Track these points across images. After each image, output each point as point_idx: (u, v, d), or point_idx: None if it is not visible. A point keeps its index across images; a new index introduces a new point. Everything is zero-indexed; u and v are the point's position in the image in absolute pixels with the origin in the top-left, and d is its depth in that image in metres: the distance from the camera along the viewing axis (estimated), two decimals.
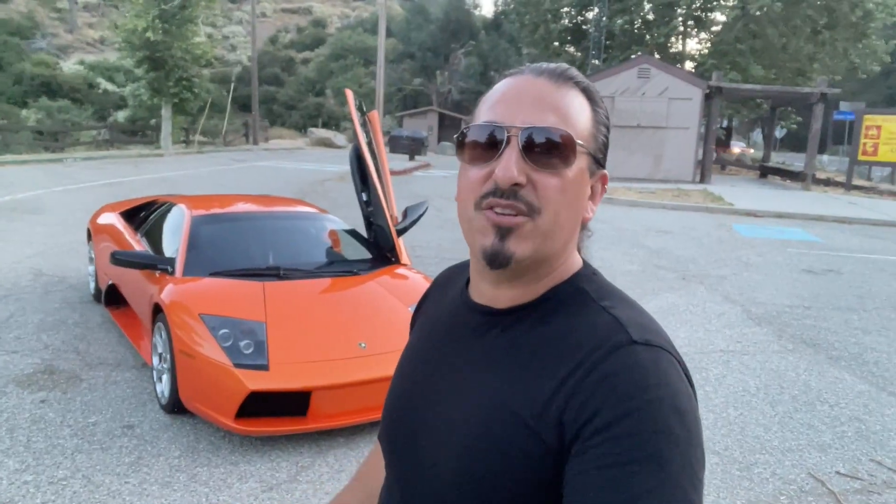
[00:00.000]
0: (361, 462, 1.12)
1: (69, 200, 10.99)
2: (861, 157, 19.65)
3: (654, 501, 0.60)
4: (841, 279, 7.89)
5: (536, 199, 0.72)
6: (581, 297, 0.77)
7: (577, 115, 0.74)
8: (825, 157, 32.65)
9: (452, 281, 0.94)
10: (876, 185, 21.53)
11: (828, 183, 20.89)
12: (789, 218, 13.47)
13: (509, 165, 0.71)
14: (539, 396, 0.69)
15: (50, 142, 21.20)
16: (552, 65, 0.78)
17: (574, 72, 0.78)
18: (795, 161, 28.41)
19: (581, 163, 0.74)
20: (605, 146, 0.79)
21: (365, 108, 4.77)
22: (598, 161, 0.77)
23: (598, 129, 0.77)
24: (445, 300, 0.91)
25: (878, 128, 18.98)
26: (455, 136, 0.79)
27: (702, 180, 19.97)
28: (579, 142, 0.73)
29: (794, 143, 38.28)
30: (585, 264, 0.82)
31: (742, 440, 3.63)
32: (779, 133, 30.71)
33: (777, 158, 29.95)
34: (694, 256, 8.89)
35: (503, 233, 0.72)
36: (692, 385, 0.71)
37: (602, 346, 0.68)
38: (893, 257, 9.63)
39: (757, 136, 47.35)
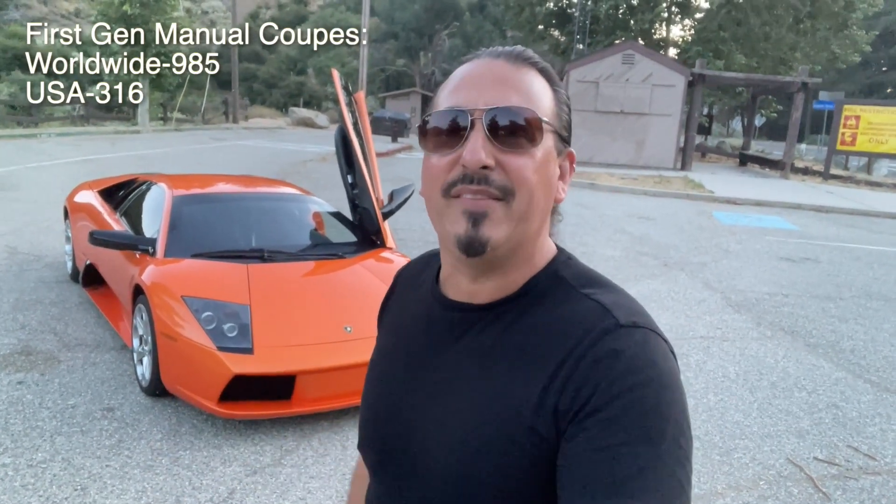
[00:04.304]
0: (350, 482, 1.04)
1: (44, 177, 10.74)
2: (839, 147, 19.92)
3: (644, 480, 0.60)
4: (818, 267, 8.01)
5: (508, 181, 0.70)
6: (561, 285, 0.75)
7: (538, 94, 0.73)
8: (804, 146, 33.06)
9: (418, 277, 0.90)
10: (853, 174, 21.85)
11: (806, 172, 21.15)
12: (768, 206, 13.63)
13: (476, 148, 0.69)
14: (532, 391, 0.68)
15: (23, 116, 20.68)
16: (508, 47, 0.76)
17: (531, 53, 0.76)
18: (774, 149, 28.71)
19: (548, 141, 0.73)
20: (569, 125, 0.78)
21: (351, 89, 4.70)
22: (564, 139, 0.77)
23: (561, 108, 0.76)
24: (414, 298, 0.87)
25: (857, 118, 19.23)
26: (417, 125, 0.77)
27: (683, 167, 20.10)
28: (544, 119, 0.72)
29: (774, 131, 38.67)
30: (560, 250, 0.80)
31: (722, 425, 3.68)
32: (758, 121, 30.99)
33: (756, 146, 30.23)
34: (675, 243, 8.96)
35: (476, 218, 0.70)
36: (677, 364, 0.72)
37: (590, 333, 0.68)
38: (869, 246, 9.80)
39: (737, 124, 47.75)
